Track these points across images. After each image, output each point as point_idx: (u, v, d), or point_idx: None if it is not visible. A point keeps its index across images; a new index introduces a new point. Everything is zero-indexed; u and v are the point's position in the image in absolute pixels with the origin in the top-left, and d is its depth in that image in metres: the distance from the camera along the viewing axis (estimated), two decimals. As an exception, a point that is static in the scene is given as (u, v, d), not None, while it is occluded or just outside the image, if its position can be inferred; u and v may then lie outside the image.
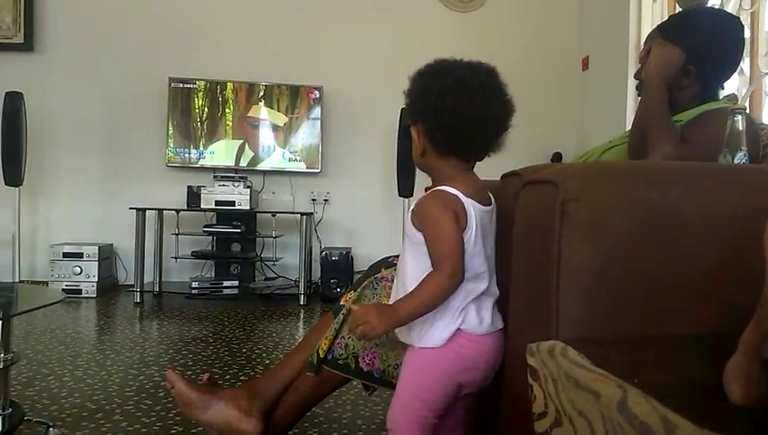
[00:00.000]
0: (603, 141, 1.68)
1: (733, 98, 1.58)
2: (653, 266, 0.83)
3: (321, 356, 1.28)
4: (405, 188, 3.79)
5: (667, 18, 1.66)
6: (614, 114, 3.72)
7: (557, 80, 4.35)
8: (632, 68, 3.59)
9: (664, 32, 1.48)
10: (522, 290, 0.96)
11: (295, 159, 4.10)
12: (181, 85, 3.97)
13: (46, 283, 3.74)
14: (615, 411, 0.58)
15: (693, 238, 0.85)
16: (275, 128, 4.08)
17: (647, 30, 3.51)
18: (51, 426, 1.55)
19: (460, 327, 1.00)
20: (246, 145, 4.06)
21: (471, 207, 0.99)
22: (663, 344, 0.78)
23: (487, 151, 1.03)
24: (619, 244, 0.80)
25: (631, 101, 3.62)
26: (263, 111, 4.06)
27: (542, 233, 0.85)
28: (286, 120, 4.08)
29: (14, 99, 3.52)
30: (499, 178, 1.16)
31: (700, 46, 1.40)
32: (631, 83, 3.59)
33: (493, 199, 1.06)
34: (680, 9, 3.02)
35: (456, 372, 1.02)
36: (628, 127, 1.46)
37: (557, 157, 4.20)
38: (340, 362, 1.27)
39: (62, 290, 3.33)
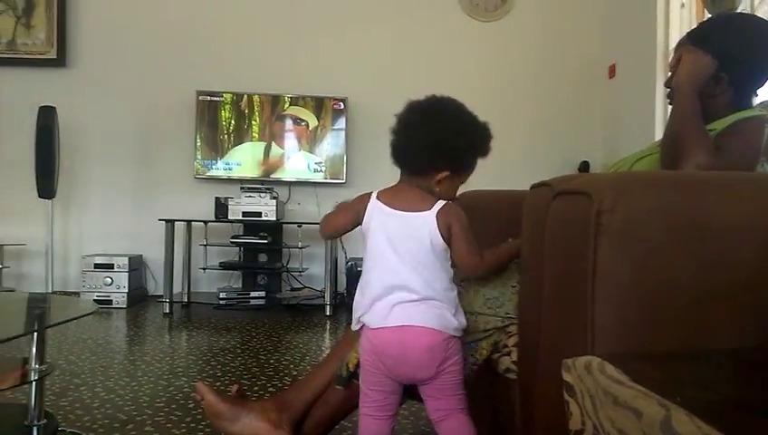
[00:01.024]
0: (632, 150, 1.65)
1: (767, 105, 1.54)
2: (690, 278, 0.81)
3: (351, 370, 1.28)
4: (430, 199, 3.77)
5: (697, 25, 1.64)
6: (643, 122, 3.66)
7: (583, 88, 4.31)
8: (660, 75, 3.54)
9: (694, 39, 1.45)
10: (554, 303, 0.94)
11: (320, 170, 4.13)
12: (208, 98, 4.04)
13: (78, 293, 3.81)
14: (658, 431, 0.56)
15: (731, 248, 0.83)
16: (301, 139, 4.12)
17: (675, 36, 3.46)
18: (83, 436, 1.57)
19: (362, 319, 1.16)
20: (272, 156, 4.10)
21: (374, 207, 1.17)
22: (702, 359, 0.76)
23: (404, 166, 1.21)
24: (655, 255, 0.78)
25: (660, 110, 3.56)
26: (289, 123, 4.10)
27: (575, 245, 0.84)
28: (312, 131, 4.11)
29: (48, 113, 3.62)
30: (528, 188, 1.15)
31: (732, 53, 1.37)
32: (660, 91, 3.53)
33: (424, 212, 1.13)
34: (710, 15, 2.97)
35: (368, 356, 1.15)
36: (658, 135, 1.43)
37: (584, 166, 4.15)
38: None
39: (94, 301, 3.39)
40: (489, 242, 1.43)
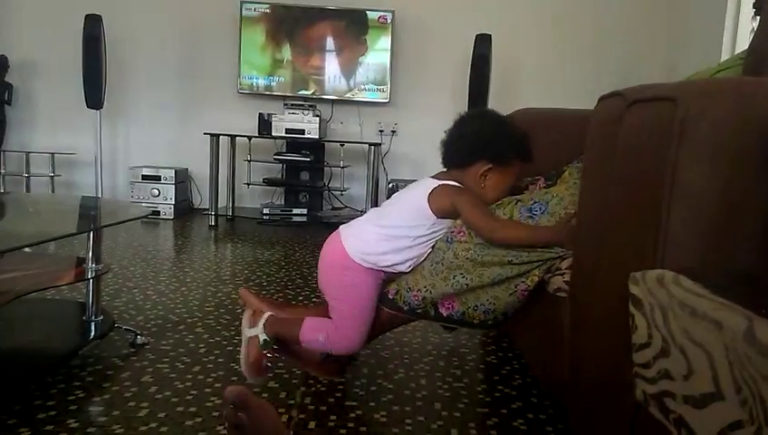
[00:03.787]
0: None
1: None
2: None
3: (391, 298, 1.32)
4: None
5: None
6: (709, 46, 3.43)
7: (642, 11, 4.03)
8: (733, -6, 3.28)
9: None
10: (621, 219, 0.90)
11: (364, 89, 4.04)
12: (253, 9, 3.94)
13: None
14: (741, 341, 0.53)
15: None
16: (345, 55, 4.01)
17: (754, -51, 3.17)
18: (138, 334, 1.64)
19: None
20: (316, 72, 4.03)
21: None
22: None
23: (447, 159, 1.34)
24: (743, 167, 0.72)
25: (729, 32, 3.33)
26: (333, 37, 3.99)
27: (652, 155, 0.79)
28: (357, 46, 3.99)
29: (94, 22, 3.58)
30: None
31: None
32: (730, 12, 3.29)
33: (433, 181, 1.30)
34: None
35: None
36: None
37: (640, 91, 3.95)
38: (418, 311, 1.30)
39: (142, 211, 3.48)
40: (551, 164, 1.38)
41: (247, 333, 1.31)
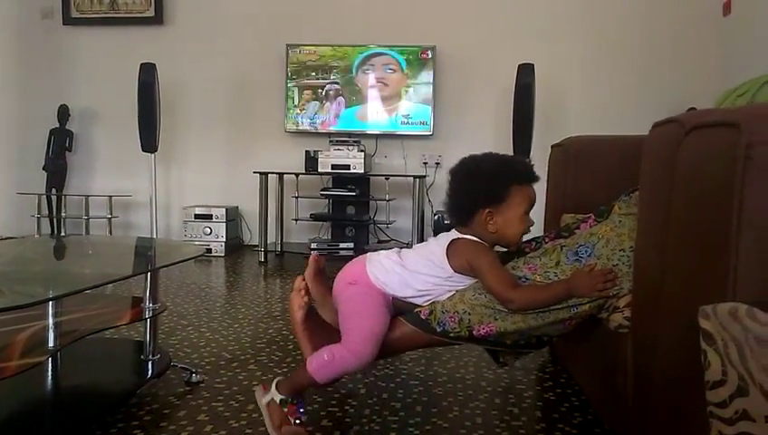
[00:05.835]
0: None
1: None
2: None
3: (422, 316, 1.28)
4: (521, 153, 3.60)
5: None
6: (762, 65, 3.32)
7: (693, 28, 3.94)
8: (787, 10, 3.18)
9: None
10: (685, 250, 0.86)
11: (407, 122, 4.07)
12: (298, 52, 4.05)
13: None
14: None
15: None
16: (388, 90, 4.07)
17: (806, -35, 3.08)
18: (193, 372, 1.66)
19: None
20: (360, 109, 4.09)
21: None
22: None
23: (454, 219, 1.33)
24: (816, 194, 0.69)
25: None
26: (376, 74, 4.06)
27: (716, 183, 0.76)
28: (399, 82, 4.05)
29: (148, 70, 3.76)
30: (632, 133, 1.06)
31: None
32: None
33: (451, 234, 1.31)
34: None
35: None
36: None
37: (691, 113, 3.84)
38: (451, 334, 1.26)
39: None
40: (603, 192, 1.35)
41: (263, 401, 1.26)
